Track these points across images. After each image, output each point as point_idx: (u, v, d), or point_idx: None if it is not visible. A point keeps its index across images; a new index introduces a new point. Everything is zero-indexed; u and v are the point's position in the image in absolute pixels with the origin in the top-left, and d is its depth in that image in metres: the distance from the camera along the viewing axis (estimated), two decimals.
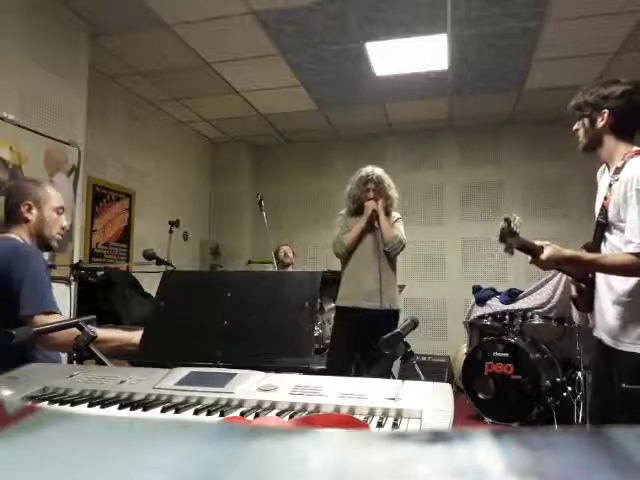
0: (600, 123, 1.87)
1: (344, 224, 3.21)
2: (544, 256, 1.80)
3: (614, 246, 1.82)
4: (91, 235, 4.76)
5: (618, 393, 1.80)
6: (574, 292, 2.05)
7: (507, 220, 1.77)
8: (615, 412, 1.86)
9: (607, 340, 1.86)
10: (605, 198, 1.85)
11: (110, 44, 4.24)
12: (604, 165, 1.97)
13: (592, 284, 1.95)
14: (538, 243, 1.83)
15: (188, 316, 1.45)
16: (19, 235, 1.86)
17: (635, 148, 1.84)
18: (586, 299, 1.99)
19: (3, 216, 1.92)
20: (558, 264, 1.87)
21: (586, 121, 1.90)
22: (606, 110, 1.84)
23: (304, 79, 4.91)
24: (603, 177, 1.97)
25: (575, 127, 1.96)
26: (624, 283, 1.80)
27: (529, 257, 1.86)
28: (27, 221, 1.89)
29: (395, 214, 3.19)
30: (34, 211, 1.90)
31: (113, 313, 2.97)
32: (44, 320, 1.63)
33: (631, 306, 1.78)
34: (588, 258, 1.83)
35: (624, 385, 1.77)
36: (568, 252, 1.82)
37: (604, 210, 1.84)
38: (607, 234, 1.85)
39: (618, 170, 1.82)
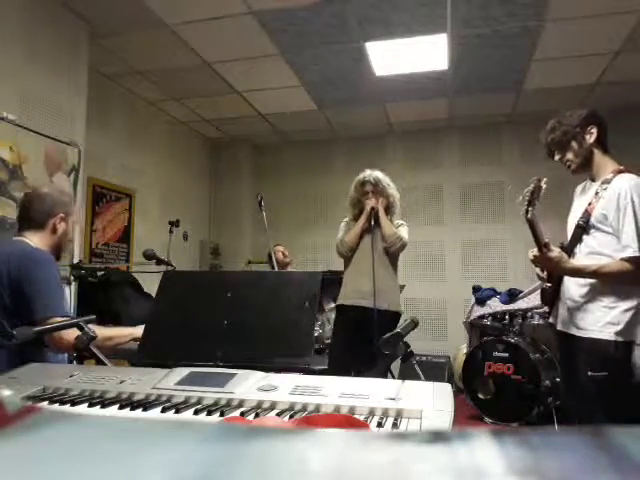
0: (590, 139, 2.02)
1: (347, 229, 3.24)
2: (552, 255, 1.94)
3: (588, 246, 1.99)
4: (91, 235, 4.76)
5: (584, 382, 1.91)
6: (545, 282, 2.17)
7: (539, 180, 1.90)
8: (582, 401, 1.98)
9: (573, 330, 1.98)
10: (589, 204, 2.01)
11: (110, 44, 4.23)
12: (585, 181, 2.14)
13: (558, 280, 2.11)
14: (547, 240, 1.96)
15: (188, 316, 1.45)
16: (32, 240, 1.86)
17: (621, 167, 2.02)
18: (551, 293, 2.16)
19: (20, 218, 1.92)
20: (562, 271, 2.02)
21: (574, 144, 2.03)
22: (594, 125, 2.02)
23: (304, 79, 4.91)
24: (586, 190, 2.13)
25: (558, 157, 2.10)
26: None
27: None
28: (55, 232, 1.90)
29: (398, 221, 3.22)
30: (62, 224, 1.92)
31: (113, 313, 2.96)
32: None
33: (596, 296, 1.94)
34: (591, 270, 1.94)
35: (590, 373, 1.89)
36: (571, 264, 1.97)
37: (587, 214, 2.00)
38: (584, 236, 2.02)
39: (607, 181, 1.98)
